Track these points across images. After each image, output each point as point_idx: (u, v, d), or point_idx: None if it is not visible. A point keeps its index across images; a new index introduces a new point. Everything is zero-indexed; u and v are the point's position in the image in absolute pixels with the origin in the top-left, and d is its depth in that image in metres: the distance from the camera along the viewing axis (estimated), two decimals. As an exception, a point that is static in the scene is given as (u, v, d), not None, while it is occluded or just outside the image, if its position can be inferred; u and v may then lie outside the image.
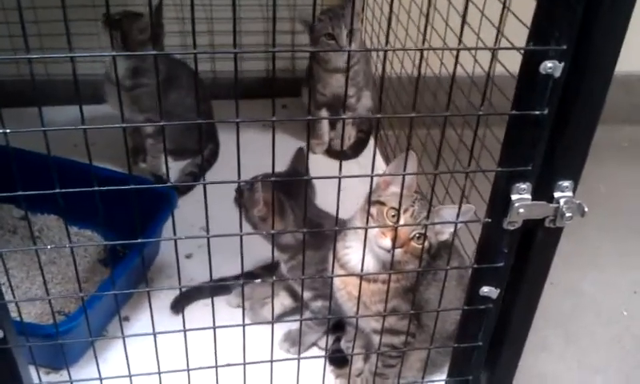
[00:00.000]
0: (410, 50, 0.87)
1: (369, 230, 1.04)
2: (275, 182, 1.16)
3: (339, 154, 2.01)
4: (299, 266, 1.24)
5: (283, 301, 1.43)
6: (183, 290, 1.45)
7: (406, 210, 1.08)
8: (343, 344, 1.37)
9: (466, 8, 0.83)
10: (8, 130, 0.76)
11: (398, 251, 1.06)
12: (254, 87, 2.00)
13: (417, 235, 1.08)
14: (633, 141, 2.55)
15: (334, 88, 1.97)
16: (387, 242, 1.06)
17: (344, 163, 0.83)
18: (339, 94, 1.98)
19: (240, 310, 1.21)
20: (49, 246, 1.58)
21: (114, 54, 0.76)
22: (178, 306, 1.44)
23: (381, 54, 2.08)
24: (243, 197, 1.25)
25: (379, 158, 1.99)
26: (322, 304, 1.32)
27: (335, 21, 1.79)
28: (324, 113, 2.04)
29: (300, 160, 1.37)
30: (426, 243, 1.07)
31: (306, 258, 1.23)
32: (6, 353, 0.97)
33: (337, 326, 1.39)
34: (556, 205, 0.92)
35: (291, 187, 1.29)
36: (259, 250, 1.23)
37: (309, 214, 1.26)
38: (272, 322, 1.04)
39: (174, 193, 1.51)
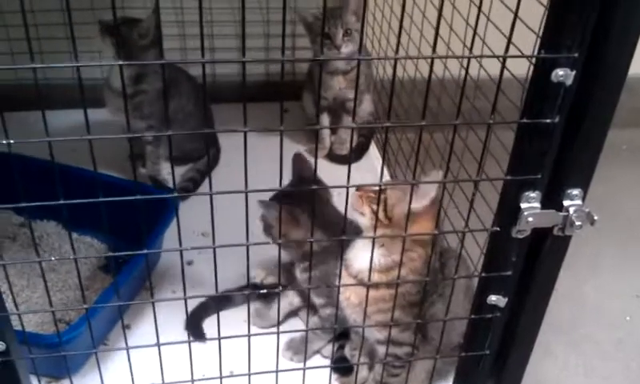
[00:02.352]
0: (418, 58, 0.86)
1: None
2: (288, 197, 1.15)
3: (340, 159, 2.00)
4: (316, 277, 1.24)
5: (292, 300, 1.41)
6: (192, 308, 1.37)
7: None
8: (348, 352, 1.36)
9: (477, 19, 0.81)
10: (12, 141, 0.74)
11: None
12: (253, 90, 1.98)
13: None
14: (632, 144, 2.55)
15: (335, 91, 1.95)
16: (355, 199, 1.07)
17: (343, 168, 0.82)
18: (341, 97, 1.97)
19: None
20: (53, 258, 1.53)
21: (120, 63, 0.74)
22: (195, 330, 1.38)
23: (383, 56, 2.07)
24: (266, 220, 1.25)
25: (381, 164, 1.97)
26: (331, 312, 1.31)
27: (332, 20, 1.76)
28: (325, 116, 2.02)
29: (300, 165, 1.35)
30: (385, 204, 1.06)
31: (326, 265, 1.22)
32: (8, 364, 0.96)
33: (341, 333, 1.37)
34: (565, 213, 0.91)
35: (303, 196, 1.27)
36: (265, 253, 1.21)
37: (331, 218, 1.24)
38: (277, 333, 1.02)
39: (177, 200, 1.49)
